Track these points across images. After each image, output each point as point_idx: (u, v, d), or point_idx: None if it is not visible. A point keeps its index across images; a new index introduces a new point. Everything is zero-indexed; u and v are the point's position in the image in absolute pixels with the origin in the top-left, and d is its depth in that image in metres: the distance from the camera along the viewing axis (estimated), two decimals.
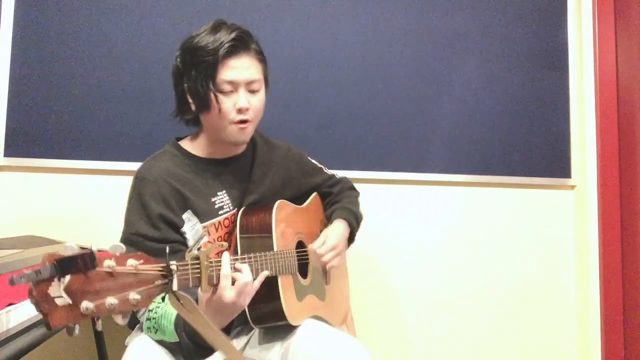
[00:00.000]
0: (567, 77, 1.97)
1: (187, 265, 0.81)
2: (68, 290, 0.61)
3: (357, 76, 1.82)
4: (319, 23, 1.80)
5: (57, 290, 0.60)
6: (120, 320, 0.68)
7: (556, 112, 1.96)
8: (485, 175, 1.90)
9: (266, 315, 1.10)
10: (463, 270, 1.91)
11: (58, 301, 0.60)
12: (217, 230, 1.14)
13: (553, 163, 1.95)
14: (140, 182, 1.09)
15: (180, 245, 1.08)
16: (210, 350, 0.97)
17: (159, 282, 0.73)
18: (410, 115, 1.85)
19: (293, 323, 1.12)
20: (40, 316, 0.88)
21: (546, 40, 1.96)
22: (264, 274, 1.00)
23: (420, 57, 1.87)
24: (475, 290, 1.91)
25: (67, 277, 0.61)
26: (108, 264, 0.65)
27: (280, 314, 1.09)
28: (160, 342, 1.01)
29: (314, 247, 1.25)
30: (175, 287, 0.76)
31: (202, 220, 1.12)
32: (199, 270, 0.84)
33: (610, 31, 1.96)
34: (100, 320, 0.66)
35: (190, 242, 1.09)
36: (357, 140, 1.82)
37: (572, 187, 1.98)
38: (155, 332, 0.99)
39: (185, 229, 1.09)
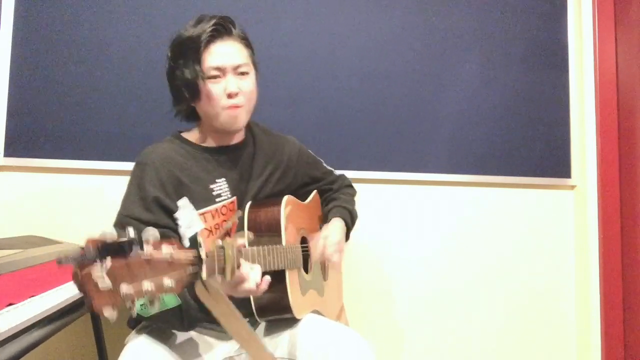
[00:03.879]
0: (567, 77, 1.97)
1: (214, 254, 0.82)
2: (109, 273, 0.62)
3: (357, 76, 1.82)
4: (318, 23, 1.80)
5: (99, 273, 0.61)
6: (151, 307, 0.68)
7: (556, 112, 1.96)
8: (485, 175, 1.90)
9: (272, 308, 1.12)
10: (462, 270, 1.91)
11: (100, 284, 0.61)
12: (214, 217, 1.14)
13: (553, 163, 1.95)
14: (139, 167, 1.11)
15: (170, 231, 1.08)
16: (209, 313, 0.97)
17: (189, 269, 0.74)
18: (410, 115, 1.85)
19: (298, 316, 1.13)
20: (40, 316, 0.88)
21: (546, 40, 1.96)
22: (267, 279, 0.99)
23: (420, 56, 1.87)
24: (475, 289, 1.91)
25: (109, 261, 0.62)
26: (146, 249, 0.66)
27: (287, 307, 1.11)
28: (156, 317, 0.99)
29: (318, 244, 1.25)
30: (204, 275, 0.78)
31: (197, 208, 1.12)
32: (224, 260, 0.85)
33: (610, 31, 1.96)
34: (135, 307, 0.67)
35: (182, 229, 1.10)
36: (357, 140, 1.82)
37: (572, 187, 1.98)
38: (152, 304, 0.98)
39: (178, 214, 1.10)
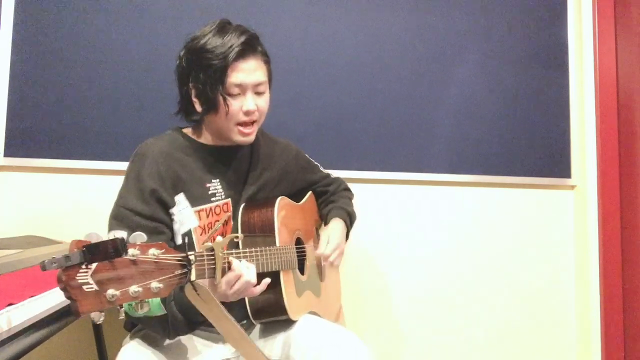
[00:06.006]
0: (567, 77, 1.97)
1: (202, 256, 0.82)
2: (95, 277, 0.62)
3: (356, 76, 1.82)
4: (318, 23, 1.80)
5: (85, 277, 0.61)
6: (140, 310, 0.69)
7: (556, 112, 1.96)
8: (485, 175, 1.90)
9: (267, 310, 1.12)
10: (463, 270, 1.91)
11: (85, 288, 0.61)
12: (207, 216, 1.14)
13: (553, 163, 1.95)
14: (138, 158, 1.10)
15: (165, 227, 1.07)
16: (196, 326, 0.99)
17: (178, 271, 0.74)
18: (410, 115, 1.85)
19: (293, 318, 1.13)
20: (40, 316, 0.88)
21: (546, 40, 1.96)
22: (266, 281, 1.00)
23: (420, 56, 1.87)
24: (475, 289, 1.91)
25: (94, 264, 0.62)
26: (132, 252, 0.66)
27: (282, 309, 1.11)
28: (143, 322, 1.00)
29: (320, 249, 1.26)
30: (193, 277, 0.78)
31: (193, 205, 1.12)
32: (214, 262, 0.85)
33: (610, 31, 1.96)
34: (123, 309, 0.67)
35: (177, 226, 1.09)
36: (357, 140, 1.82)
37: (572, 187, 1.98)
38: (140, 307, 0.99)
39: (174, 210, 1.09)
